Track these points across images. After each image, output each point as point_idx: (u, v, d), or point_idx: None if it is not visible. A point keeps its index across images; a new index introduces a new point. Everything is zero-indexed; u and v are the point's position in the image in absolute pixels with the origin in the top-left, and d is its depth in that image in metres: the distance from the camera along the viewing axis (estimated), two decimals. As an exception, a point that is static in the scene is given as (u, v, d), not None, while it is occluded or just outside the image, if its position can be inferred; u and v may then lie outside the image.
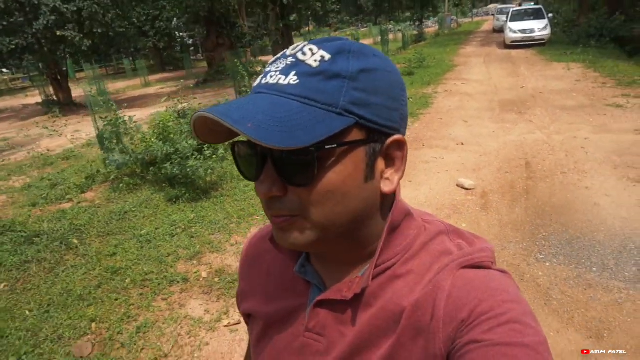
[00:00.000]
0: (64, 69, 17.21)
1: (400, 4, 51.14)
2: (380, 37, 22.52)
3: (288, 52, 0.51)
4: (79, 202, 5.07)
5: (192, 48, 40.30)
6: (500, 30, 22.76)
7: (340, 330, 0.55)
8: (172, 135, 4.90)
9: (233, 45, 19.22)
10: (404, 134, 0.54)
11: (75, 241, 3.96)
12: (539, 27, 16.46)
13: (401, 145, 0.53)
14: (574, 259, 3.15)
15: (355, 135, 0.48)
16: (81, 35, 14.65)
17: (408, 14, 44.42)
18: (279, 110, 0.45)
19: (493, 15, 31.28)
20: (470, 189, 4.49)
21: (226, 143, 0.56)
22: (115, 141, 6.12)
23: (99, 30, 14.94)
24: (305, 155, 0.46)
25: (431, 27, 36.00)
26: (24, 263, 3.67)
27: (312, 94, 0.46)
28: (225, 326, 2.79)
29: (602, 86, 8.81)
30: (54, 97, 17.19)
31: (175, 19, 28.13)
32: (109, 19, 15.57)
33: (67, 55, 16.01)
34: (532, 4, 23.59)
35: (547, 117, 7.01)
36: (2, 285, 3.40)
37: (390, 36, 24.69)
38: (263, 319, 0.64)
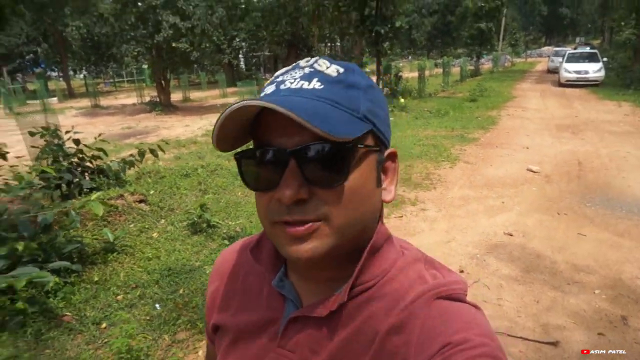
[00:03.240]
0: (168, 76, 20.08)
1: (453, 40, 53.26)
2: (436, 69, 24.58)
3: (302, 64, 0.54)
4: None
5: (253, 67, 43.72)
6: (554, 71, 24.25)
7: (313, 349, 0.55)
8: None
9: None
10: None
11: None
12: (593, 69, 17.97)
13: (393, 157, 0.57)
14: (609, 207, 4.89)
15: (370, 141, 0.53)
16: (191, 48, 17.41)
17: (460, 50, 46.30)
18: (316, 107, 0.47)
19: (548, 57, 32.71)
20: (537, 172, 6.29)
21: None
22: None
23: (207, 45, 17.69)
24: (341, 153, 0.48)
25: (485, 64, 37.63)
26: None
27: (338, 97, 0.49)
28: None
29: (648, 120, 10.35)
30: (157, 98, 20.03)
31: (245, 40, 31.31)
32: (215, 36, 18.37)
33: (176, 64, 18.86)
34: (588, 48, 24.99)
35: (596, 137, 8.67)
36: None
37: (442, 70, 26.67)
38: (233, 331, 0.63)
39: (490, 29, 29.29)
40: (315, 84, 0.50)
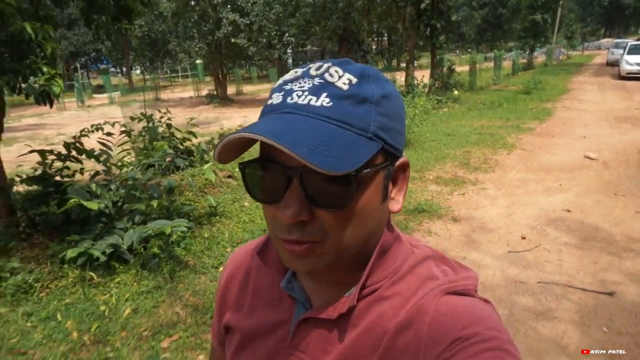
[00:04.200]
0: (225, 70, 21.14)
1: (504, 33, 51.84)
2: (485, 63, 24.38)
3: (312, 71, 0.50)
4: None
5: (300, 62, 44.55)
6: (614, 63, 23.33)
7: (324, 349, 0.56)
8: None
9: (358, 60, 22.24)
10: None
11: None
12: (656, 62, 17.32)
13: (405, 167, 0.56)
14: (668, 190, 5.10)
15: (380, 159, 0.50)
16: (249, 43, 18.31)
17: (511, 43, 44.99)
18: (321, 133, 0.45)
19: (607, 49, 31.39)
20: (595, 159, 6.49)
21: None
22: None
23: (264, 40, 18.53)
24: (346, 179, 0.46)
25: (537, 57, 36.51)
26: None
27: (346, 117, 0.47)
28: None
29: None
30: (214, 91, 21.13)
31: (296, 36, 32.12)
32: (267, 31, 19.21)
33: (233, 59, 19.84)
34: (652, 39, 23.84)
35: (658, 128, 8.64)
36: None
37: (492, 63, 26.27)
38: (243, 332, 0.65)
39: (546, 21, 28.52)
40: (324, 100, 0.47)
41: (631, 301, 2.98)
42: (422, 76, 12.61)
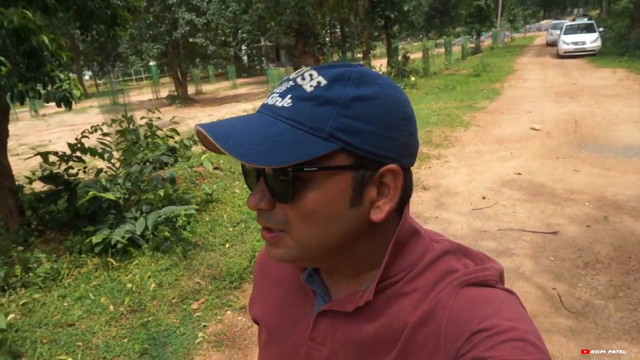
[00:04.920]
0: (184, 70, 21.12)
1: (451, 19, 53.72)
2: (437, 49, 25.62)
3: (292, 75, 0.53)
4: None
5: (255, 58, 44.65)
6: (553, 43, 24.99)
7: (342, 342, 0.57)
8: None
9: (315, 52, 22.75)
10: (406, 164, 0.54)
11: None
12: (590, 40, 18.82)
13: (396, 174, 0.52)
14: (599, 152, 5.96)
15: (342, 160, 0.49)
16: (208, 42, 18.43)
17: (459, 29, 46.88)
18: (266, 130, 0.48)
19: (546, 30, 33.40)
20: (539, 130, 7.34)
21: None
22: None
23: (223, 39, 18.69)
24: (284, 174, 0.48)
25: (484, 41, 38.26)
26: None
27: (300, 117, 0.48)
28: (421, 170, 5.79)
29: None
30: (175, 92, 21.10)
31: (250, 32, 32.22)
32: (221, 29, 19.38)
33: (192, 58, 19.87)
34: (586, 19, 25.68)
35: (592, 100, 9.67)
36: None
37: (442, 49, 27.52)
38: (269, 326, 0.67)
39: (489, 6, 30.00)
40: (286, 101, 0.49)
41: (570, 237, 3.70)
42: (380, 65, 13.31)
